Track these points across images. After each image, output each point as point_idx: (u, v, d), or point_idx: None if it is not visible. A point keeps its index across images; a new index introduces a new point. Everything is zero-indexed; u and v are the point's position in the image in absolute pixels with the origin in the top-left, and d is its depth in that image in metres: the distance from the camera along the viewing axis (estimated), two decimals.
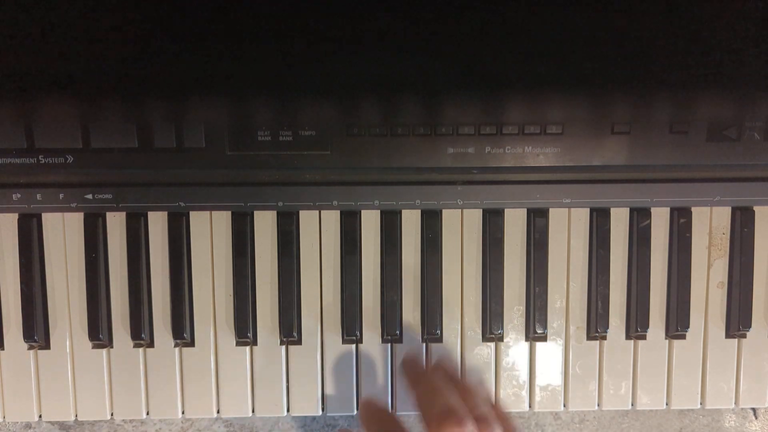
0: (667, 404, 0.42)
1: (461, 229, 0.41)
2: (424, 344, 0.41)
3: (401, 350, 0.41)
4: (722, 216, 0.41)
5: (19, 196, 0.39)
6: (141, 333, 0.40)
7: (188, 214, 0.40)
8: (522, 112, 0.36)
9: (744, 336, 0.41)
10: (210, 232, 0.40)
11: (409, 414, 0.41)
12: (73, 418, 0.41)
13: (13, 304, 0.40)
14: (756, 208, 0.41)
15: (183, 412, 0.41)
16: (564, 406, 0.42)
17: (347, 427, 0.43)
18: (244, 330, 0.40)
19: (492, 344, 0.41)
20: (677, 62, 0.36)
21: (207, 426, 0.46)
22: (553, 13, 0.36)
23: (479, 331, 0.41)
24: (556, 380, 0.42)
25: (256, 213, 0.40)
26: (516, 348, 0.41)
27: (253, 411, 0.41)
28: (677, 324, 0.41)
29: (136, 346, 0.40)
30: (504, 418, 0.35)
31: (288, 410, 0.41)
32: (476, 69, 0.36)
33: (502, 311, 0.41)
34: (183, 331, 0.40)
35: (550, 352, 0.41)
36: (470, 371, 0.41)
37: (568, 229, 0.41)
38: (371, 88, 0.36)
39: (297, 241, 0.40)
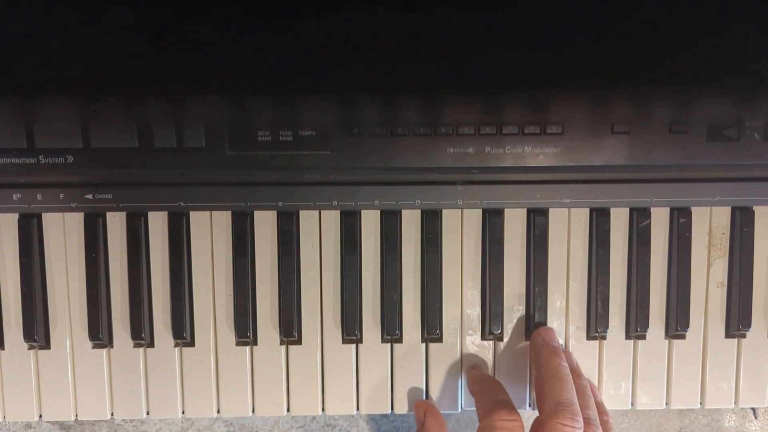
0: (666, 404, 0.42)
1: (461, 229, 0.41)
2: (424, 344, 0.41)
3: (401, 350, 0.41)
4: (722, 216, 0.41)
5: (19, 196, 0.39)
6: (141, 333, 0.40)
7: (188, 214, 0.40)
8: (522, 112, 0.36)
9: (744, 336, 0.41)
10: (210, 232, 0.40)
11: (410, 414, 0.41)
12: (73, 417, 0.41)
13: (13, 304, 0.40)
14: (756, 208, 0.41)
15: (183, 412, 0.41)
16: None
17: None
18: (244, 330, 0.40)
19: (492, 344, 0.41)
20: (677, 62, 0.36)
21: (207, 426, 0.46)
22: (553, 12, 0.36)
23: (479, 331, 0.41)
24: None
25: (256, 213, 0.40)
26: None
27: (253, 411, 0.41)
28: (677, 324, 0.41)
29: (136, 346, 0.40)
30: (608, 428, 0.36)
31: (288, 410, 0.41)
32: (476, 69, 0.36)
33: (502, 311, 0.41)
34: (183, 331, 0.40)
35: None
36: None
37: (568, 229, 0.41)
38: (371, 88, 0.36)
39: (297, 241, 0.40)
